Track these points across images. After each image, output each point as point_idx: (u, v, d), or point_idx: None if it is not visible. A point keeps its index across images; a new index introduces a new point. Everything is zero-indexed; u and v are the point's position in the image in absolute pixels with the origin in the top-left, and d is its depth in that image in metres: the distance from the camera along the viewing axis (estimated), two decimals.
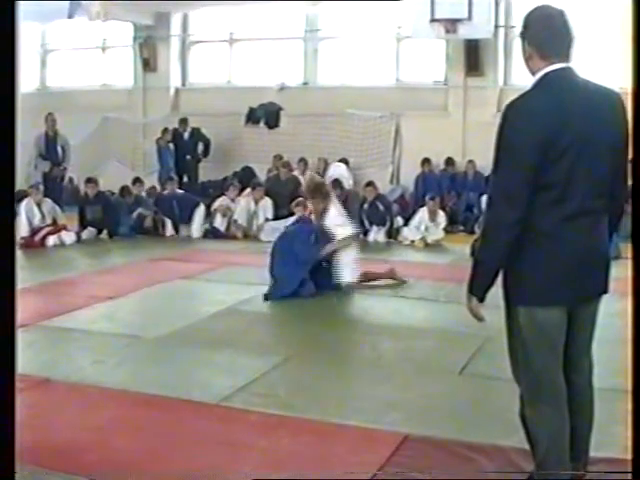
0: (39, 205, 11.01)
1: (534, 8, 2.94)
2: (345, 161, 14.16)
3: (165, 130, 14.91)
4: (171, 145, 14.86)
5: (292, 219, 9.58)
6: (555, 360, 2.95)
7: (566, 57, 2.87)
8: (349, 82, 14.94)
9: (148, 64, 16.10)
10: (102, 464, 3.59)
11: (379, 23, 14.65)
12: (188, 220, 12.03)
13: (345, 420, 4.17)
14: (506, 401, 3.55)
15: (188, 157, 14.87)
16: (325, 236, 7.62)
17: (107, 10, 14.04)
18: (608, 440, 3.55)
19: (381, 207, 11.52)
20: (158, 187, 13.81)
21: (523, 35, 2.94)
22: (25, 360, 4.23)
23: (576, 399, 3.04)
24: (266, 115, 14.92)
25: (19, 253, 9.19)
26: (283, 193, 12.41)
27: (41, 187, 11.45)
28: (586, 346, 3.09)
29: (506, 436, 3.69)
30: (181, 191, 12.70)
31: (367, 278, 7.87)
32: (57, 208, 11.31)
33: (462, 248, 9.79)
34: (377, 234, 11.47)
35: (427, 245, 11.04)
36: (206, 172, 15.21)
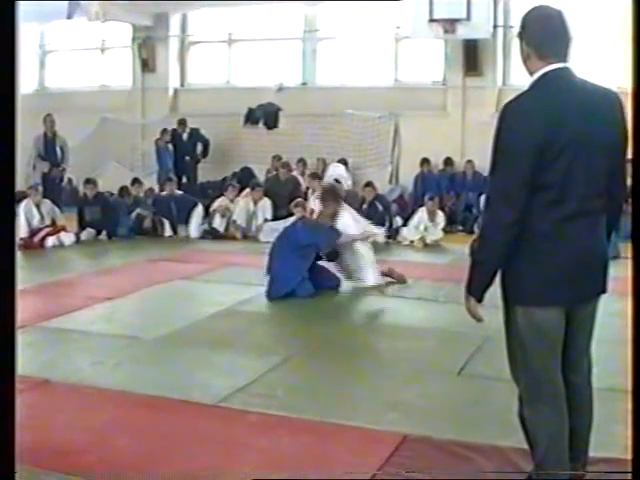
0: (38, 206, 11.00)
1: (532, 8, 2.95)
2: (344, 161, 14.16)
3: (164, 131, 14.91)
4: (170, 146, 14.86)
5: (291, 219, 9.59)
6: (554, 360, 2.95)
7: (564, 57, 2.87)
8: (348, 82, 14.95)
9: (147, 65, 16.11)
10: (101, 465, 3.59)
11: (378, 23, 14.66)
12: (186, 221, 12.04)
13: (344, 420, 4.17)
14: (505, 401, 3.55)
15: (187, 158, 14.87)
16: (333, 230, 7.60)
17: (106, 11, 14.05)
18: (607, 440, 3.55)
19: (380, 207, 11.51)
20: (157, 188, 13.82)
21: (521, 35, 2.94)
22: (24, 361, 4.22)
23: (575, 399, 3.04)
24: (265, 115, 14.92)
25: (18, 254, 9.18)
26: (282, 193, 12.41)
27: (40, 188, 11.45)
28: (585, 346, 3.09)
29: (505, 436, 3.69)
30: (180, 192, 12.70)
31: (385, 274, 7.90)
32: (56, 209, 11.31)
33: (461, 248, 9.76)
34: None
35: (426, 245, 11.04)
36: (205, 173, 15.22)
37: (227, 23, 15.85)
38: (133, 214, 11.98)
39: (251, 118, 15.01)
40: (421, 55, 14.53)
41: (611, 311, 4.71)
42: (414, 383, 4.88)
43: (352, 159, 14.40)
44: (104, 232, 11.58)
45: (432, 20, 12.97)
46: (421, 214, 11.43)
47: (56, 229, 11.00)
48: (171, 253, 10.32)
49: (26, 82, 16.03)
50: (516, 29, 2.99)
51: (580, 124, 2.80)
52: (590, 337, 3.10)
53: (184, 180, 14.70)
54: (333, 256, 7.91)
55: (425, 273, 8.69)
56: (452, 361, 5.29)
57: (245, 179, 13.92)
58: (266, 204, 12.14)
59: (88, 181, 11.89)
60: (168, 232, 11.94)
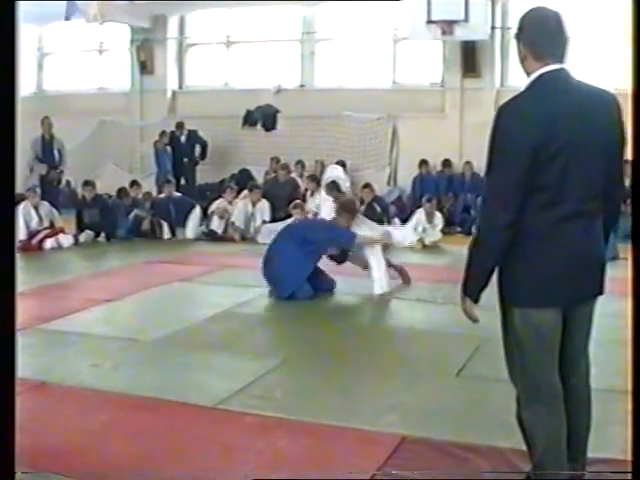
0: (36, 208, 11.00)
1: (529, 9, 2.95)
2: (342, 163, 14.16)
3: (162, 133, 14.91)
4: (168, 148, 14.86)
5: (290, 221, 9.59)
6: (551, 361, 2.95)
7: (561, 58, 2.87)
8: (346, 84, 14.96)
9: (145, 67, 16.11)
10: (99, 467, 3.58)
11: (376, 25, 14.68)
12: (184, 223, 12.03)
13: (342, 422, 4.17)
14: (504, 402, 3.55)
15: (185, 160, 14.86)
16: (351, 232, 7.58)
17: (104, 12, 14.04)
18: (606, 441, 3.55)
19: (378, 209, 11.52)
20: (155, 190, 13.81)
21: (518, 36, 2.94)
22: (22, 363, 4.22)
23: (573, 400, 3.04)
24: (263, 117, 14.93)
25: (17, 256, 9.18)
26: (281, 195, 12.41)
27: (38, 190, 11.45)
28: (582, 347, 3.09)
29: (503, 437, 3.68)
30: (178, 194, 12.69)
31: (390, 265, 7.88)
32: (54, 211, 11.31)
33: (459, 249, 9.74)
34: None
35: (424, 246, 11.04)
36: (203, 174, 15.22)
37: (225, 25, 15.87)
38: (131, 215, 11.98)
39: (249, 120, 15.03)
40: (419, 56, 14.54)
41: (610, 312, 4.71)
42: (412, 384, 4.88)
43: (350, 161, 14.41)
44: (102, 234, 11.58)
45: (430, 21, 12.98)
46: (419, 215, 11.44)
47: (54, 231, 10.99)
48: (169, 255, 10.32)
49: (24, 84, 16.00)
50: (514, 30, 2.99)
51: (576, 125, 2.80)
52: (588, 338, 3.10)
53: (182, 182, 14.69)
54: (340, 259, 7.91)
55: (423, 274, 8.68)
56: (451, 362, 5.29)
57: (243, 181, 13.92)
58: (264, 206, 12.14)
59: (86, 183, 11.89)
60: (167, 234, 11.94)
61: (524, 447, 3.12)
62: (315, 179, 12.81)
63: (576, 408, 3.06)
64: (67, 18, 14.26)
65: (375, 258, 7.53)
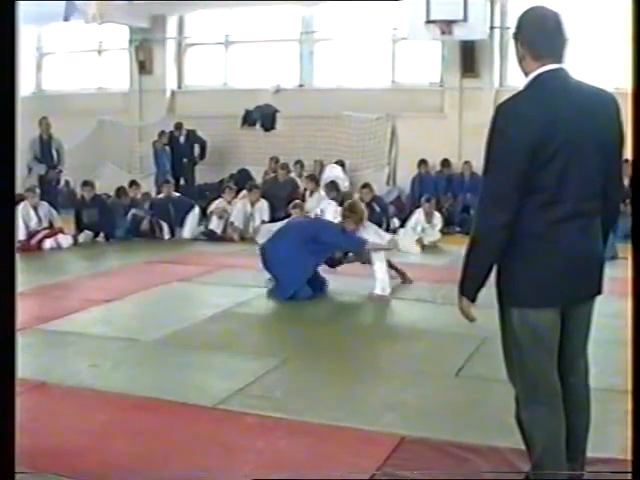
0: (35, 208, 10.99)
1: (528, 9, 2.95)
2: (341, 163, 14.17)
3: (161, 133, 14.90)
4: (167, 148, 14.85)
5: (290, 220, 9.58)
6: (549, 361, 2.95)
7: (559, 58, 2.87)
8: (345, 84, 14.95)
9: (144, 67, 16.10)
10: (99, 467, 3.58)
11: (375, 25, 14.66)
12: (183, 223, 12.03)
13: (342, 422, 4.17)
14: (503, 402, 3.55)
15: (184, 160, 14.85)
16: (359, 237, 7.59)
17: (103, 13, 14.03)
18: (605, 440, 3.56)
19: (377, 209, 11.50)
20: (154, 190, 13.81)
21: (516, 36, 2.94)
22: (22, 364, 4.22)
23: (572, 400, 3.04)
24: (262, 117, 14.93)
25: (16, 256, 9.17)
26: (280, 195, 12.41)
27: (37, 190, 11.43)
28: (581, 347, 3.09)
29: (503, 437, 3.68)
30: (177, 194, 12.69)
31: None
32: (53, 211, 11.30)
33: (459, 249, 9.70)
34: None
35: (424, 246, 11.04)
36: (202, 174, 15.21)
37: (224, 25, 15.85)
38: (129, 214, 11.98)
39: (248, 120, 15.02)
40: (418, 56, 14.53)
41: (609, 312, 4.72)
42: (412, 384, 4.88)
43: (349, 161, 14.41)
44: (102, 234, 11.58)
45: (429, 21, 12.96)
46: (418, 215, 11.44)
47: (53, 231, 10.98)
48: (169, 255, 10.32)
49: (23, 84, 15.99)
50: (513, 30, 2.99)
51: (575, 125, 2.79)
52: (586, 338, 3.10)
53: (181, 182, 14.69)
54: (335, 264, 7.91)
55: (423, 274, 8.68)
56: (450, 362, 5.30)
57: (242, 181, 13.92)
58: (263, 206, 12.14)
59: (85, 183, 11.89)
60: (166, 234, 11.94)
61: (523, 447, 3.13)
62: (314, 179, 12.81)
63: (575, 408, 3.06)
64: (66, 18, 14.25)
65: (379, 259, 7.55)
